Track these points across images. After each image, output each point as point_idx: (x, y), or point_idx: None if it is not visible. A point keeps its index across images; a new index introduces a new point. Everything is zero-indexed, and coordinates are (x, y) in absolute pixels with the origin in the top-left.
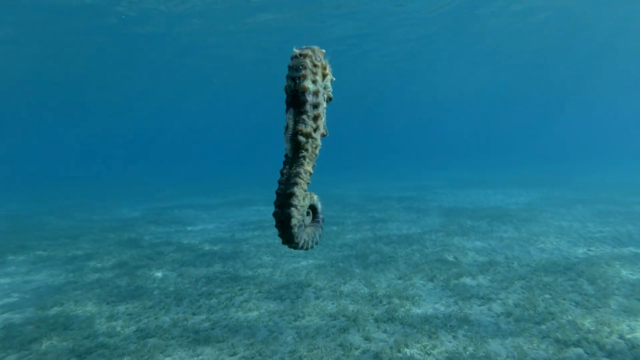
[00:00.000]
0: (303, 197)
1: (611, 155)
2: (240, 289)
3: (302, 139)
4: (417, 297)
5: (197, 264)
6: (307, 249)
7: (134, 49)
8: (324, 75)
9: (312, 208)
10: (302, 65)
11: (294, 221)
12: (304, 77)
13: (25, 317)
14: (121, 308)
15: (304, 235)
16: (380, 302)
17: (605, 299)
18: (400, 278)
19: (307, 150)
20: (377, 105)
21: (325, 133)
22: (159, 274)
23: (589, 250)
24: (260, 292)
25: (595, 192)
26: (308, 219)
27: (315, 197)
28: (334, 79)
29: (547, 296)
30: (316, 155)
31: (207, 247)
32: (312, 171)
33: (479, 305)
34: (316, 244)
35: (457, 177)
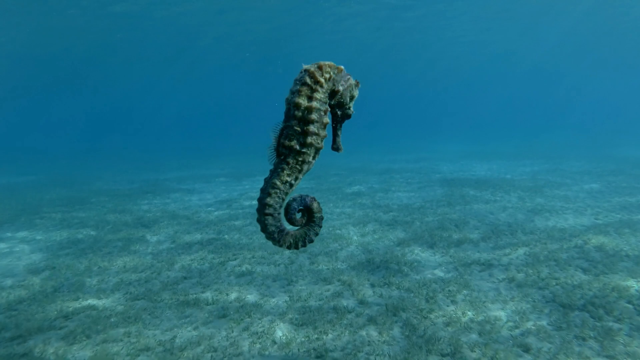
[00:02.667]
0: (279, 205)
1: (628, 128)
2: (234, 255)
3: (283, 151)
4: (415, 263)
5: (191, 231)
6: (295, 248)
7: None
8: (334, 93)
9: (307, 209)
10: (302, 81)
11: (270, 228)
12: (299, 92)
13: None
14: (112, 271)
15: (288, 238)
16: (377, 267)
17: (613, 265)
18: (398, 245)
19: (287, 163)
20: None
21: (339, 148)
22: (153, 239)
23: (596, 219)
24: (253, 257)
25: (606, 164)
26: (302, 220)
27: (309, 199)
28: (356, 95)
29: (552, 262)
30: (302, 169)
31: (203, 215)
32: (293, 182)
33: (480, 271)
34: (310, 242)
35: (462, 150)
